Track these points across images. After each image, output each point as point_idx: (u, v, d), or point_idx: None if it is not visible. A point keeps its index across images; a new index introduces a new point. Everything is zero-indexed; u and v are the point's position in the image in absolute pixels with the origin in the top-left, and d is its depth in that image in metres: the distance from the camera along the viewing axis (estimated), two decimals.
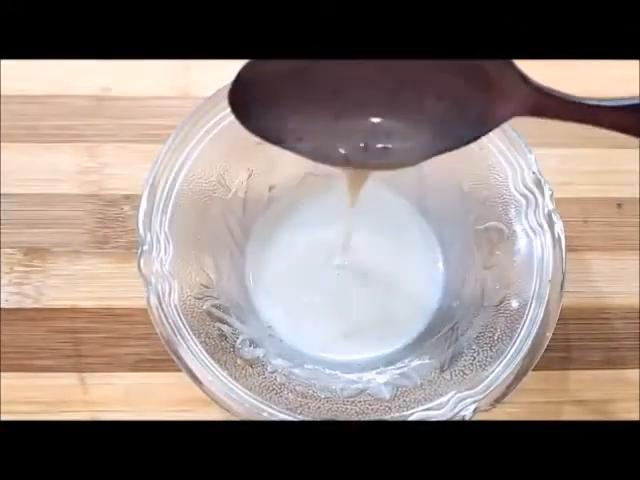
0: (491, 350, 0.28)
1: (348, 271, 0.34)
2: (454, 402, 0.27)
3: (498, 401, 0.27)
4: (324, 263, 0.34)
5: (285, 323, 0.32)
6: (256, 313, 0.32)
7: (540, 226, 0.30)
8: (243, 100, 0.21)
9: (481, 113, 0.21)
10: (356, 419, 0.27)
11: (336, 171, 0.25)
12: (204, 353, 0.27)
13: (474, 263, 0.32)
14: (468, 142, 0.21)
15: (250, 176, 0.33)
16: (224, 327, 0.29)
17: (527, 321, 0.28)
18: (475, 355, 0.29)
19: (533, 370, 0.27)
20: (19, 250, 0.35)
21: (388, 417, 0.27)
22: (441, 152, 0.21)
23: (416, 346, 0.32)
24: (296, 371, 0.29)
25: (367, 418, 0.27)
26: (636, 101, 0.20)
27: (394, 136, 0.22)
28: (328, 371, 0.30)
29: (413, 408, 0.27)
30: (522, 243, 0.30)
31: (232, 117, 0.30)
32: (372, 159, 0.22)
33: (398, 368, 0.30)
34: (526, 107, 0.20)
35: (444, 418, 0.27)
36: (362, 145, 0.22)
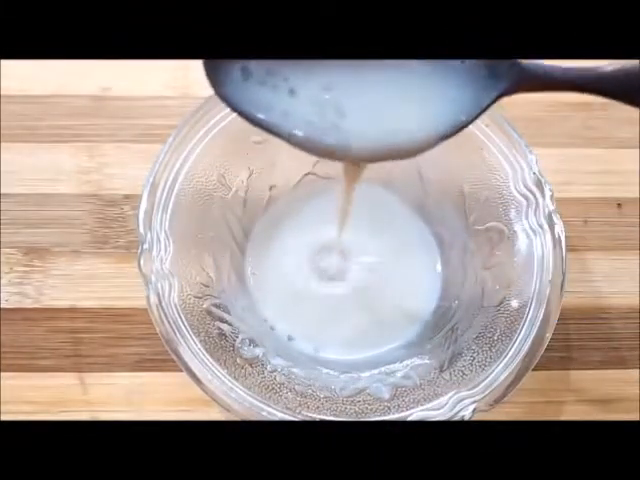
0: (491, 350, 0.28)
1: (347, 271, 0.34)
2: (453, 402, 0.27)
3: (497, 401, 0.27)
4: (324, 263, 0.34)
5: (285, 322, 0.32)
6: (256, 312, 0.32)
7: (540, 226, 0.30)
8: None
9: (474, 95, 0.21)
10: (355, 419, 0.27)
11: (335, 171, 0.26)
12: (204, 352, 0.27)
13: (474, 263, 0.32)
14: (461, 127, 0.22)
15: (250, 175, 0.33)
16: (224, 326, 0.29)
17: (527, 321, 0.28)
18: (475, 355, 0.29)
19: (533, 370, 0.27)
20: (19, 250, 0.35)
21: (387, 417, 0.27)
22: (434, 140, 0.22)
23: (415, 346, 0.32)
24: (295, 370, 0.29)
25: (366, 418, 0.27)
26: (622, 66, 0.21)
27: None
28: (327, 370, 0.30)
29: (412, 408, 0.27)
30: (522, 243, 0.30)
31: (232, 117, 0.30)
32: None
33: (398, 368, 0.30)
34: (516, 84, 0.21)
35: (443, 418, 0.27)
36: None
